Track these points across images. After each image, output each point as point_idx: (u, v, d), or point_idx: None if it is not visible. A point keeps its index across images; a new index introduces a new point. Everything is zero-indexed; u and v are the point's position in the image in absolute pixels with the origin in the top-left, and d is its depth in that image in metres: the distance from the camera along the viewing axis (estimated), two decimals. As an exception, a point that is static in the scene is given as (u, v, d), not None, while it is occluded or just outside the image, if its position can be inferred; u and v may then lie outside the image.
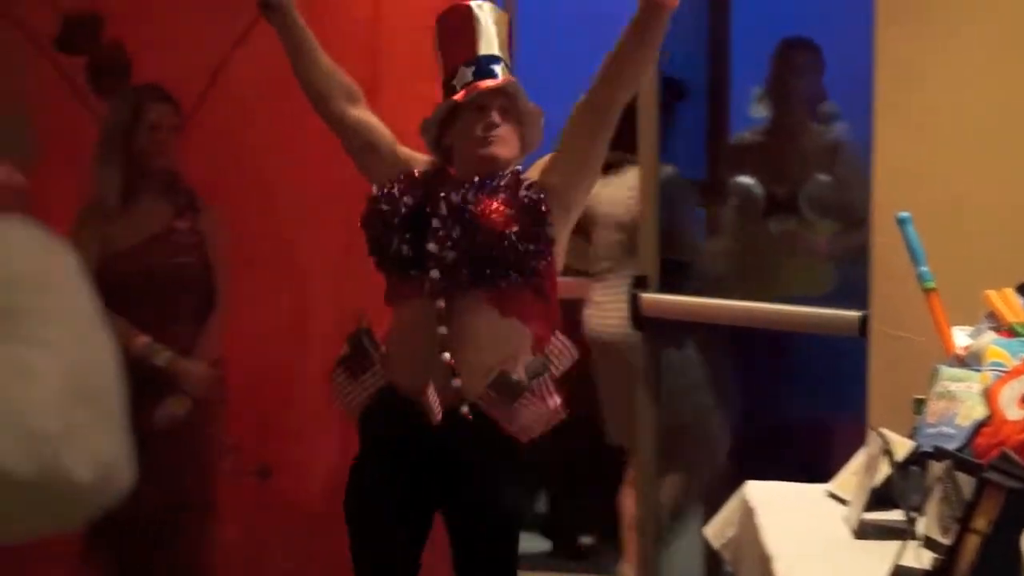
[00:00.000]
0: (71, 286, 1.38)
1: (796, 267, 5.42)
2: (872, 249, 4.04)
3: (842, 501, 3.36)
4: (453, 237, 3.67)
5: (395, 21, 4.89)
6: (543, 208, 3.72)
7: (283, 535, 4.98)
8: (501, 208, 3.67)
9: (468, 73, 3.77)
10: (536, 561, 6.37)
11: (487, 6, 3.86)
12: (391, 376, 3.80)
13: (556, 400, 3.83)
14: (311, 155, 4.87)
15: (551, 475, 6.63)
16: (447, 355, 3.69)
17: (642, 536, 5.33)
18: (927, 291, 3.32)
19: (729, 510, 3.64)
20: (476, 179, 3.74)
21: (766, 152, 5.51)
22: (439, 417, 3.69)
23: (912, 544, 2.80)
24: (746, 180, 5.48)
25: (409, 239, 3.72)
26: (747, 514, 3.45)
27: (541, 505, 6.75)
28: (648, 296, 5.14)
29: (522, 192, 3.72)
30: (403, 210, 3.73)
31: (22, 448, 1.25)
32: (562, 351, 3.87)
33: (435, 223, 3.69)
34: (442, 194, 3.73)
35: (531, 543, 6.46)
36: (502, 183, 3.73)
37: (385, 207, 3.75)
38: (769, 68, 5.45)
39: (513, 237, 3.66)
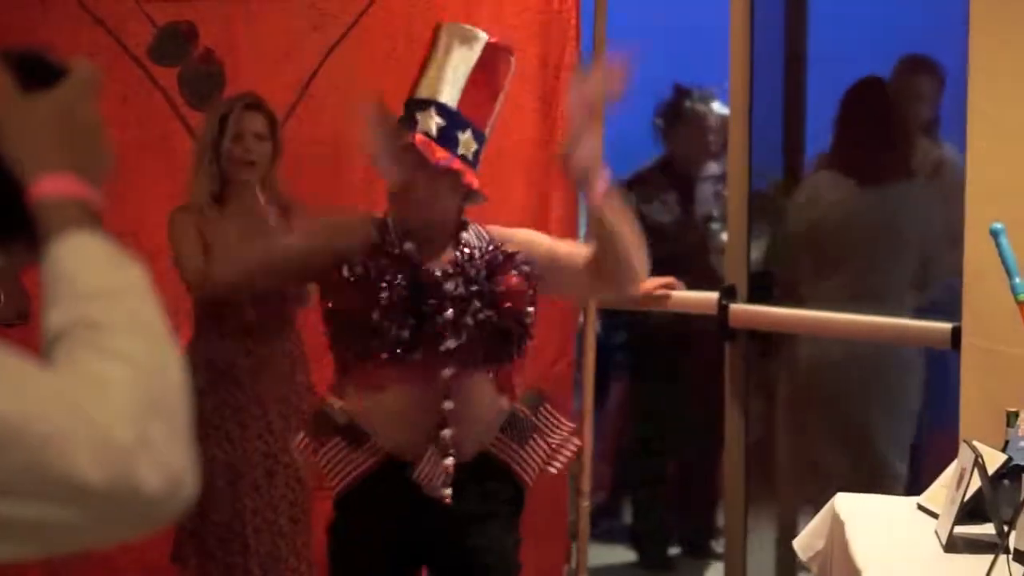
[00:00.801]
0: (140, 299, 1.40)
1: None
2: (965, 261, 4.00)
3: (932, 514, 3.34)
4: (477, 318, 3.54)
5: (487, 29, 4.87)
6: (533, 282, 3.64)
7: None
8: (520, 285, 3.58)
9: (428, 122, 3.52)
10: (622, 572, 6.35)
11: (463, 33, 3.64)
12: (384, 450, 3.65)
13: (565, 427, 3.79)
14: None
15: (637, 486, 6.63)
16: (447, 432, 3.57)
17: (729, 547, 5.31)
18: (1020, 303, 3.28)
19: (818, 522, 3.62)
20: (479, 253, 3.60)
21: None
22: (446, 496, 3.59)
23: (1003, 558, 2.77)
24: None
25: (412, 324, 3.55)
26: (836, 526, 3.44)
27: (627, 516, 6.73)
28: (737, 307, 5.12)
29: (521, 263, 3.62)
30: (401, 295, 3.55)
31: (97, 458, 1.28)
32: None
33: (448, 308, 3.54)
34: (450, 271, 3.57)
35: (617, 554, 6.45)
36: (500, 256, 3.62)
37: (384, 295, 3.53)
38: (890, 85, 5.43)
39: (528, 318, 3.62)
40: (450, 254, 3.62)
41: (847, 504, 3.52)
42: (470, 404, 3.59)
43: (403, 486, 3.58)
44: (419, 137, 3.49)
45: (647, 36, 6.76)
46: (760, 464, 5.48)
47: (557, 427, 3.76)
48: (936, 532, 3.20)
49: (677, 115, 6.38)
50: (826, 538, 3.53)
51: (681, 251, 6.03)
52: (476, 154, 3.57)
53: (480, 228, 3.70)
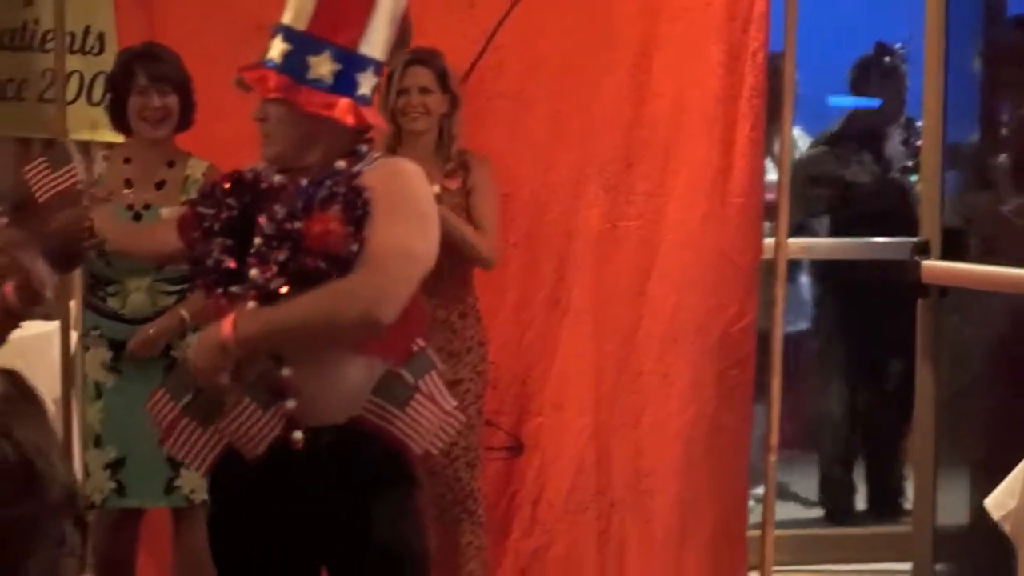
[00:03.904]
0: None
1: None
2: None
3: None
4: (279, 260, 3.04)
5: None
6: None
7: (530, 511, 5.03)
8: (335, 225, 3.01)
9: (274, 50, 3.12)
10: (808, 528, 6.28)
11: None
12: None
13: (451, 401, 3.26)
14: (586, 122, 4.88)
15: (826, 442, 6.56)
16: (287, 371, 3.10)
17: (918, 505, 5.24)
18: None
19: (1011, 480, 3.55)
20: (304, 183, 3.08)
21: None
22: (257, 449, 3.13)
23: None
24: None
25: (231, 248, 3.11)
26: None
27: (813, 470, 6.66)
28: (930, 263, 5.03)
29: (360, 201, 3.04)
30: (225, 214, 3.14)
31: None
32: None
33: (258, 241, 3.07)
34: (267, 205, 3.09)
35: (804, 510, 6.39)
36: (336, 188, 3.05)
37: (204, 209, 3.16)
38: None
39: (352, 261, 3.03)
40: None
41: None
42: (308, 362, 3.13)
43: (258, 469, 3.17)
44: (245, 72, 3.14)
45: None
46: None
47: (444, 398, 3.25)
48: None
49: (876, 71, 6.33)
50: (1018, 497, 3.46)
51: (880, 208, 5.98)
52: (343, 76, 3.12)
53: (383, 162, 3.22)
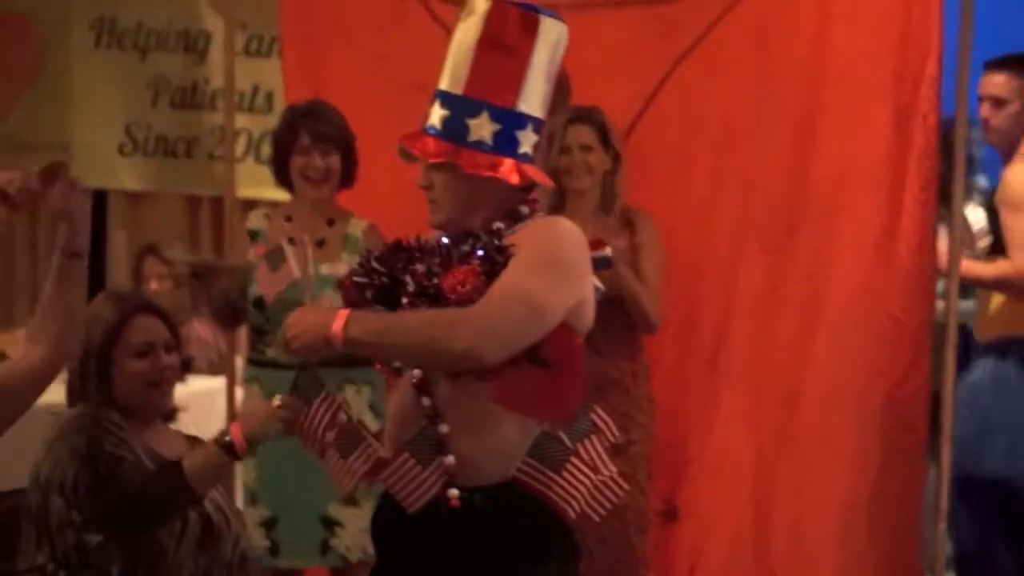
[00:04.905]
0: None
1: None
2: None
3: None
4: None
5: (841, 40, 4.79)
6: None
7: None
8: (471, 277, 3.01)
9: (434, 116, 3.14)
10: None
11: (480, 9, 3.12)
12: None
13: (611, 467, 3.19)
14: (747, 182, 4.87)
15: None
16: (444, 427, 3.08)
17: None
18: None
19: None
20: (445, 241, 3.12)
21: None
22: (413, 506, 3.11)
23: None
24: None
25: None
26: None
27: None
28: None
29: (503, 257, 3.03)
30: (377, 281, 3.17)
31: None
32: (607, 422, 3.23)
33: (404, 301, 3.09)
34: (410, 266, 3.13)
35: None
36: (477, 244, 3.07)
37: (358, 279, 3.19)
38: None
39: None
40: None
41: None
42: (457, 410, 3.10)
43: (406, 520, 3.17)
44: (406, 140, 3.16)
45: (1016, 43, 6.53)
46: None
47: (603, 463, 3.19)
48: None
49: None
50: None
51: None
52: (503, 136, 3.11)
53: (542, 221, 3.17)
